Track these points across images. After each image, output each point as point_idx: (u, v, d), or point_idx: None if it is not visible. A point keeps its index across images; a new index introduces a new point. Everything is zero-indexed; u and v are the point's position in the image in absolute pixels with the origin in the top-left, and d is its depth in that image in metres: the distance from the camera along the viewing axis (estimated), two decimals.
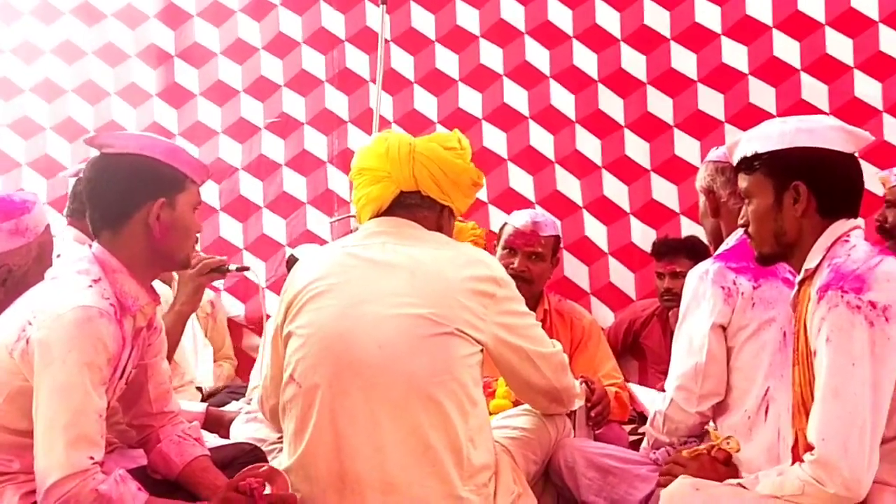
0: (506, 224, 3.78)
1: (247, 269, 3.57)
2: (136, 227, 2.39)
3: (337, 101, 4.89)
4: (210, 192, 5.02)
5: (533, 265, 3.65)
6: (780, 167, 2.30)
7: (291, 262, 4.19)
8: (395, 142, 2.67)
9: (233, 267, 3.45)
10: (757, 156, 2.34)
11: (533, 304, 3.66)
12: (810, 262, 2.29)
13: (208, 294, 4.77)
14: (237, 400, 3.94)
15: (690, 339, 2.77)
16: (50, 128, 5.17)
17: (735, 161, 2.42)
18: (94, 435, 2.23)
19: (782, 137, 2.32)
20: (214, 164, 5.01)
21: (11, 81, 5.23)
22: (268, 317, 4.72)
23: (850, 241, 2.26)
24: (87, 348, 2.23)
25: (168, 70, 5.12)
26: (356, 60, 4.85)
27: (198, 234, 2.52)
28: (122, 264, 2.38)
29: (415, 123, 4.62)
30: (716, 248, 2.97)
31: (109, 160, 2.42)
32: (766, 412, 2.66)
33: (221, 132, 5.03)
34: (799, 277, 2.32)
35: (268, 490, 2.41)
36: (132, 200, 2.39)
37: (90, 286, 2.31)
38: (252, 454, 2.78)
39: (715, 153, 3.01)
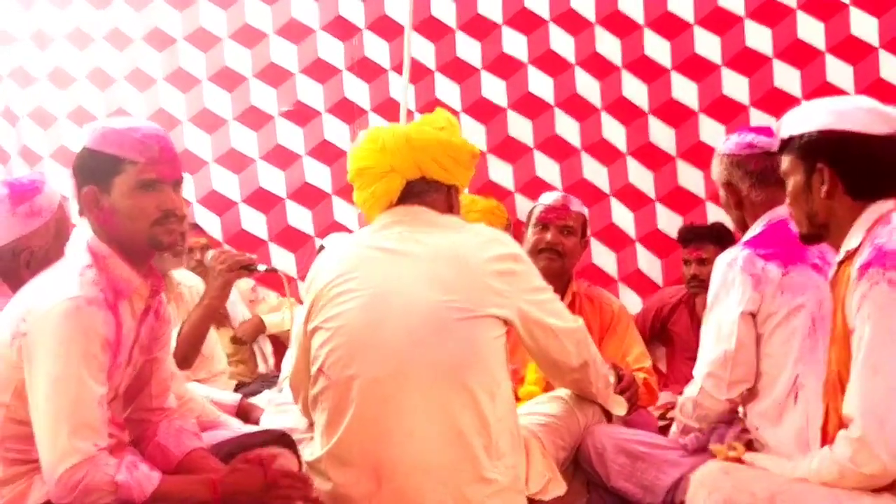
0: (535, 206, 3.83)
1: (275, 270, 3.59)
2: (89, 218, 2.42)
3: (357, 90, 4.86)
4: (228, 184, 5.02)
5: (565, 239, 3.66)
6: (807, 149, 2.30)
7: (321, 252, 4.21)
8: (389, 135, 2.70)
9: (261, 267, 3.49)
10: (790, 137, 2.34)
11: (562, 287, 3.68)
12: (850, 243, 2.27)
13: (248, 282, 4.81)
14: (270, 389, 3.97)
15: (719, 327, 2.76)
16: (65, 117, 5.18)
17: (778, 143, 2.42)
18: (95, 422, 2.25)
19: (811, 119, 2.32)
20: (228, 153, 4.99)
21: (26, 70, 5.23)
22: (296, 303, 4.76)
23: (893, 222, 2.24)
24: (79, 338, 2.25)
25: (173, 54, 5.07)
26: (376, 48, 4.82)
27: (167, 211, 2.38)
28: (112, 249, 2.40)
29: None
30: (742, 236, 2.96)
31: None
32: (796, 398, 2.65)
33: (232, 119, 4.99)
34: (839, 258, 2.31)
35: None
36: (76, 194, 2.42)
37: (81, 274, 2.33)
38: (281, 440, 2.78)
39: (726, 146, 2.94)
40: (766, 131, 2.95)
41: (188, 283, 4.16)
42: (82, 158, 2.42)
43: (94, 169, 2.39)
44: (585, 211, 3.84)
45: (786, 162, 2.37)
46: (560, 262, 3.62)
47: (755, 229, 2.85)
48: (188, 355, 3.51)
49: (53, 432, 2.22)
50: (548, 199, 3.79)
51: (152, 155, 2.38)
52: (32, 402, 2.26)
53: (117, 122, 2.48)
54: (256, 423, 3.35)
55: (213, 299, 3.46)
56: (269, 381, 4.30)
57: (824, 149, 2.28)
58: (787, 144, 2.37)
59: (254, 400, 3.70)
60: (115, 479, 2.23)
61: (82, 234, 2.49)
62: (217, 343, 4.07)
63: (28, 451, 2.30)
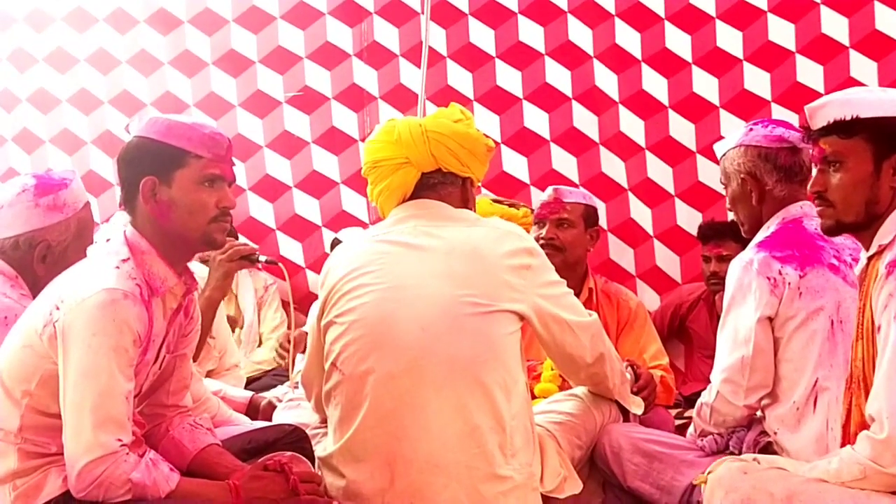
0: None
1: (275, 263, 3.56)
2: (141, 209, 2.40)
3: (366, 76, 4.79)
4: (236, 171, 4.94)
5: (561, 232, 3.64)
6: (886, 135, 2.24)
7: (335, 245, 4.19)
8: (405, 127, 2.69)
9: (262, 258, 3.46)
10: (858, 120, 2.26)
11: (578, 282, 3.66)
12: (883, 238, 2.24)
13: (266, 279, 4.77)
14: (281, 384, 3.96)
15: (736, 332, 2.73)
16: (66, 100, 5.14)
17: (822, 123, 2.31)
18: (121, 417, 2.25)
19: (889, 104, 2.26)
20: (235, 140, 4.89)
21: (26, 52, 5.18)
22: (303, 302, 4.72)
23: None
24: (112, 331, 2.24)
25: (178, 36, 5.00)
26: (385, 33, 4.75)
27: (224, 209, 2.43)
28: (151, 245, 2.39)
29: (450, 100, 4.51)
30: (752, 234, 2.91)
31: (124, 146, 2.45)
32: (815, 403, 2.62)
33: (238, 105, 4.92)
34: (870, 252, 2.28)
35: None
36: (129, 182, 2.40)
37: (117, 267, 2.32)
38: (293, 435, 2.79)
39: (751, 137, 2.88)
40: (788, 125, 2.91)
41: (201, 274, 4.14)
42: (142, 148, 2.40)
43: (155, 159, 2.38)
44: (595, 200, 3.81)
45: (840, 144, 2.29)
46: (560, 256, 3.57)
47: (769, 228, 2.81)
48: None
49: (78, 423, 2.22)
50: (543, 195, 3.78)
51: (219, 152, 2.42)
52: (62, 391, 2.25)
53: (177, 116, 2.49)
54: (267, 418, 3.33)
55: (214, 290, 3.44)
56: (280, 374, 4.28)
57: None
58: (843, 127, 2.28)
59: (265, 394, 3.68)
60: (130, 478, 2.22)
61: (118, 227, 2.48)
62: (230, 337, 4.07)
63: (47, 445, 2.31)
